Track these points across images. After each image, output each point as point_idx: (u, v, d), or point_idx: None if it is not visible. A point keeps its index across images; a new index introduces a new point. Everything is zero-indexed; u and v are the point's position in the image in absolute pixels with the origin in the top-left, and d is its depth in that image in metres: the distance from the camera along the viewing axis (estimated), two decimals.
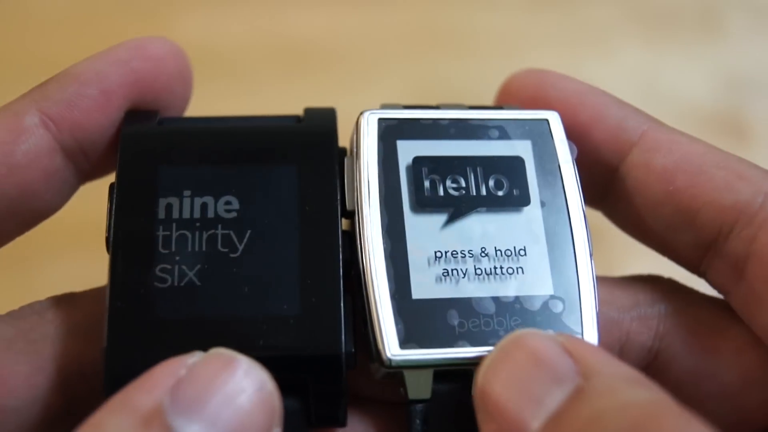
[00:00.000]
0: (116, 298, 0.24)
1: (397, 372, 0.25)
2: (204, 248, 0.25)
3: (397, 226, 0.26)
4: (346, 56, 0.60)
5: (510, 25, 0.62)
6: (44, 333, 0.25)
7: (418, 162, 0.26)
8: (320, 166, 0.26)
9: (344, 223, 0.26)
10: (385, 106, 0.28)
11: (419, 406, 0.25)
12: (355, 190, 0.26)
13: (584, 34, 0.62)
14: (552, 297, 0.26)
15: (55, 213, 0.28)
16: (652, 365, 0.28)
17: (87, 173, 0.28)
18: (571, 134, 0.28)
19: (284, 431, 0.22)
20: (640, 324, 0.28)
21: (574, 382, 0.21)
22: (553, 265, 0.26)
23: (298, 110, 0.29)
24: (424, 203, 0.26)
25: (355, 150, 0.27)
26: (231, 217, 0.25)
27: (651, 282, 0.30)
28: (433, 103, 0.29)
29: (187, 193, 0.26)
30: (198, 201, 0.26)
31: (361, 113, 0.27)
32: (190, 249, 0.25)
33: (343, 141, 0.28)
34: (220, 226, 0.25)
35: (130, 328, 0.24)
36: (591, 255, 0.26)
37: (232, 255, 0.25)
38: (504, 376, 0.22)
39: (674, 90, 0.61)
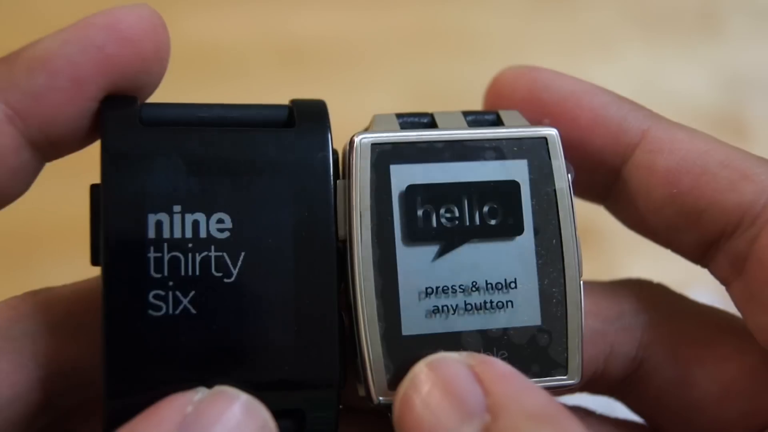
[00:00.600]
0: (112, 328, 0.24)
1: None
2: (198, 273, 0.24)
3: (389, 261, 0.25)
4: (347, 56, 0.60)
5: (510, 27, 0.62)
6: (24, 330, 0.25)
7: (412, 190, 0.26)
8: (313, 179, 0.25)
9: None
10: (377, 120, 0.27)
11: None
12: (348, 218, 0.25)
13: (585, 35, 0.62)
14: (539, 330, 0.26)
15: (18, 198, 0.26)
16: (636, 374, 0.29)
17: (53, 158, 0.26)
18: (570, 140, 0.28)
19: None
20: (624, 334, 0.28)
21: (483, 420, 0.21)
22: (542, 296, 0.26)
23: None
24: (416, 236, 0.25)
25: (347, 176, 0.26)
26: (224, 237, 0.25)
27: (638, 288, 0.30)
28: (432, 104, 0.28)
29: (177, 208, 0.24)
30: (189, 218, 0.24)
31: (354, 136, 0.26)
32: (183, 273, 0.24)
33: (342, 139, 0.27)
34: (213, 247, 0.24)
35: (128, 360, 0.24)
36: (580, 277, 0.26)
37: (226, 280, 0.24)
38: (417, 405, 0.23)
39: (674, 90, 0.61)
